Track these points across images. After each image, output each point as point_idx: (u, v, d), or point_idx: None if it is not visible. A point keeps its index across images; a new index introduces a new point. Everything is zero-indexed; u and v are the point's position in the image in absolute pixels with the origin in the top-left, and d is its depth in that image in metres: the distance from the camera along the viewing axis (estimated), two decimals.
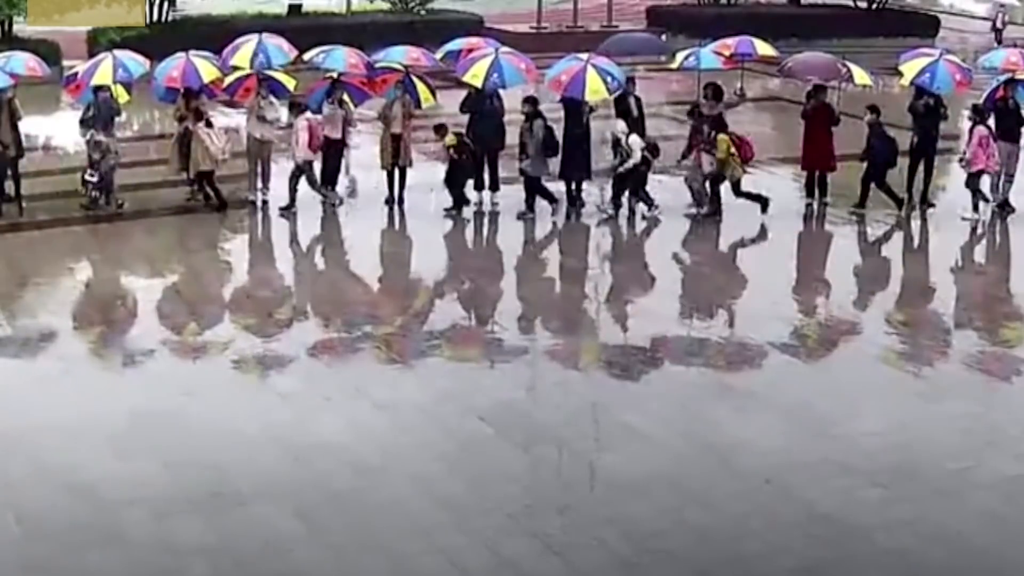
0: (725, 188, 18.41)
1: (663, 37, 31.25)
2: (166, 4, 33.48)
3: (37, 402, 11.93)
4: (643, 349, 13.84)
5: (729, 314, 15.11)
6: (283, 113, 19.57)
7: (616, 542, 9.42)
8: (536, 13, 38.00)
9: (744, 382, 13.01)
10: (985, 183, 18.66)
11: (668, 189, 19.16)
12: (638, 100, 19.28)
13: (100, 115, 18.47)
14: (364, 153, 20.37)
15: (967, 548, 9.49)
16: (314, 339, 13.94)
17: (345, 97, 19.30)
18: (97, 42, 29.62)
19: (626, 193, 18.47)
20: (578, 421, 11.67)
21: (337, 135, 19.09)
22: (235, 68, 19.77)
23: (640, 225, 18.54)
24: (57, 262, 16.98)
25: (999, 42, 36.98)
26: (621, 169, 18.19)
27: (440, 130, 18.65)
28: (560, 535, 9.57)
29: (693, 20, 36.27)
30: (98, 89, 18.54)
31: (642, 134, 18.75)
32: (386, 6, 37.80)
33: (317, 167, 18.99)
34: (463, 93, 19.49)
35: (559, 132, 18.86)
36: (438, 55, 21.33)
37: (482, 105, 18.88)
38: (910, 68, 19.34)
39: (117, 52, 20.10)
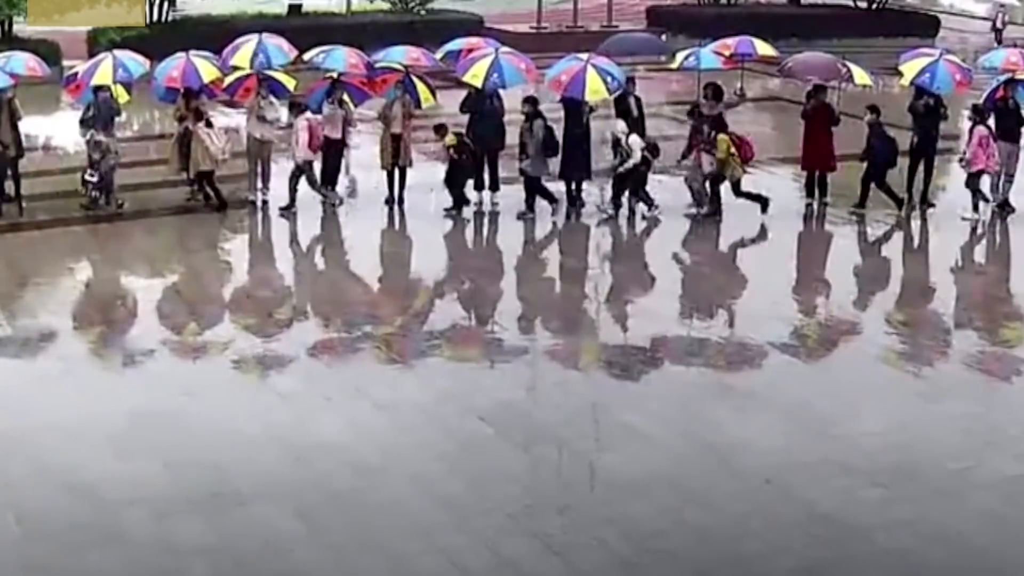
0: (725, 188, 18.41)
1: (663, 37, 31.24)
2: (166, 4, 33.47)
3: (37, 402, 11.94)
4: (643, 349, 13.85)
5: (729, 314, 15.11)
6: (283, 113, 19.57)
7: (616, 542, 9.42)
8: (536, 13, 38.00)
9: (744, 382, 13.01)
10: (985, 183, 18.66)
11: (668, 189, 19.16)
12: (638, 100, 19.29)
13: (100, 115, 18.47)
14: (364, 153, 20.38)
15: (967, 548, 9.50)
16: (314, 339, 13.94)
17: (345, 97, 19.31)
18: (97, 42, 29.62)
19: (626, 193, 18.48)
20: (578, 421, 11.68)
21: (337, 135, 19.09)
22: (235, 68, 19.78)
23: (640, 225, 18.55)
24: (57, 262, 16.99)
25: (999, 42, 36.98)
26: (621, 169, 18.20)
27: (440, 130, 18.66)
28: (560, 535, 9.57)
29: (693, 20, 36.27)
30: (98, 89, 18.54)
31: (642, 134, 18.75)
32: (386, 6, 37.80)
33: (317, 167, 18.99)
34: (463, 93, 19.49)
35: (559, 132, 18.87)
36: (438, 55, 21.33)
37: (482, 105, 18.89)
38: (910, 68, 19.35)
39: (117, 52, 20.10)
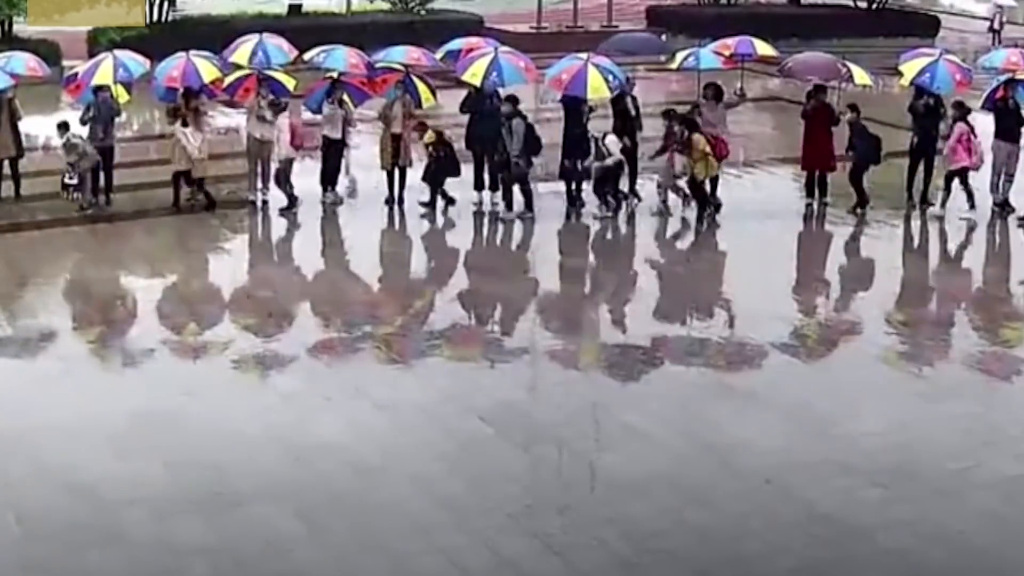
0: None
1: (663, 37, 31.21)
2: (166, 4, 33.48)
3: (37, 402, 11.93)
4: (643, 349, 13.85)
5: (729, 314, 15.10)
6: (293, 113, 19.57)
7: (616, 542, 9.42)
8: (536, 13, 38.01)
9: (744, 382, 13.01)
10: (983, 181, 18.66)
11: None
12: (635, 100, 19.27)
13: (100, 115, 18.47)
14: (364, 153, 20.38)
15: (967, 548, 9.49)
16: (314, 339, 13.93)
17: (345, 97, 19.31)
18: (97, 42, 29.63)
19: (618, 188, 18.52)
20: (578, 421, 11.67)
21: (337, 135, 19.10)
22: (235, 66, 19.79)
23: (640, 225, 18.52)
24: (57, 262, 16.99)
25: (998, 42, 36.96)
26: (599, 167, 18.18)
27: (420, 127, 18.66)
28: (560, 535, 9.57)
29: (693, 20, 36.28)
30: (98, 89, 18.54)
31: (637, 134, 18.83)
32: (386, 6, 37.81)
33: (300, 166, 18.93)
34: (463, 93, 19.50)
35: (558, 132, 18.87)
36: (438, 55, 21.32)
37: (482, 105, 18.88)
38: (910, 68, 19.35)
39: (117, 52, 20.11)
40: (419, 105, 19.46)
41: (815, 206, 19.16)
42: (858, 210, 18.67)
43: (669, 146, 18.45)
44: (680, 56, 20.41)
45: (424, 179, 18.76)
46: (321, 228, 18.73)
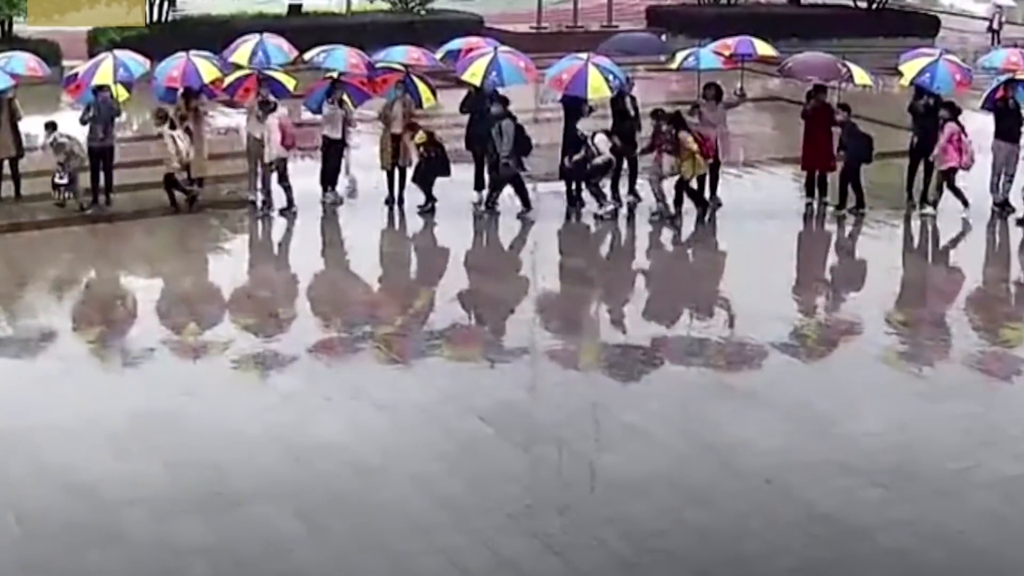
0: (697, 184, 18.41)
1: (663, 37, 31.21)
2: (166, 4, 33.48)
3: (37, 402, 11.93)
4: (643, 349, 13.85)
5: (729, 314, 15.10)
6: (283, 113, 19.53)
7: (616, 542, 9.42)
8: (536, 13, 38.01)
9: (744, 382, 13.01)
10: (981, 181, 18.65)
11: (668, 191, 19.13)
12: (633, 100, 19.28)
13: (100, 115, 18.47)
14: (364, 153, 20.38)
15: (967, 548, 9.49)
16: (314, 339, 13.93)
17: (345, 97, 19.30)
18: (97, 42, 29.64)
19: (621, 189, 18.53)
20: (578, 421, 11.67)
21: (337, 135, 19.10)
22: (235, 66, 19.79)
23: (640, 225, 18.51)
24: (57, 262, 16.99)
25: (997, 42, 36.95)
26: (591, 166, 18.18)
27: (411, 128, 18.65)
28: (560, 535, 9.57)
29: (693, 20, 36.28)
30: (98, 89, 18.54)
31: (636, 134, 18.83)
32: (386, 6, 37.81)
33: (300, 166, 18.92)
34: (463, 93, 19.50)
35: (559, 132, 18.87)
36: (438, 55, 21.32)
37: (482, 105, 18.86)
38: (910, 68, 19.35)
39: (117, 52, 20.10)
40: (419, 105, 19.46)
41: (815, 206, 19.16)
42: (860, 210, 18.65)
43: (657, 145, 18.44)
44: (680, 56, 20.40)
45: (414, 180, 18.76)
46: (321, 228, 18.73)
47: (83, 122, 18.62)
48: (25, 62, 19.85)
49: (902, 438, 11.30)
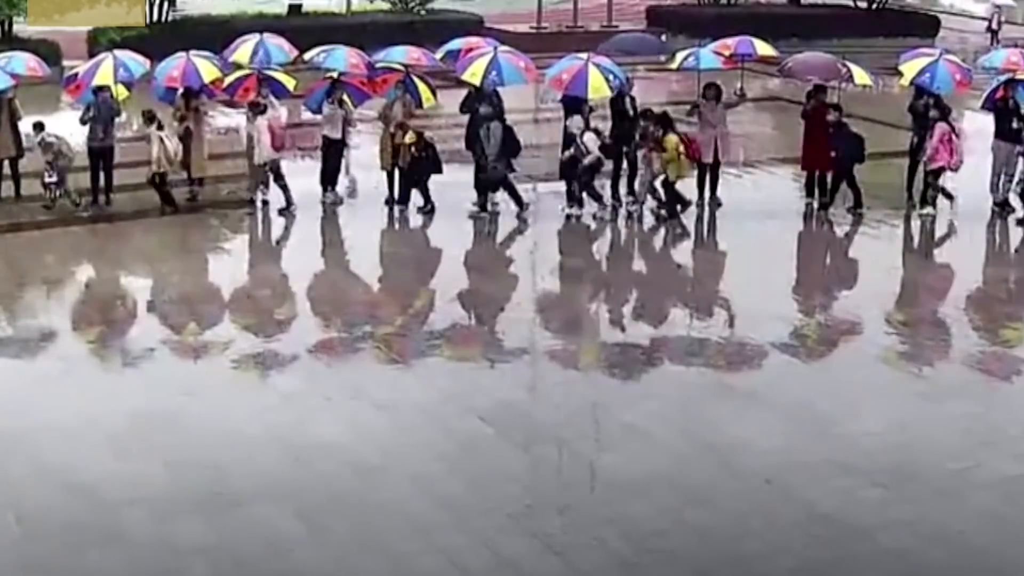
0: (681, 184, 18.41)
1: (663, 37, 31.22)
2: (166, 4, 33.49)
3: (37, 402, 11.93)
4: (643, 349, 13.85)
5: (729, 314, 15.10)
6: (283, 113, 19.55)
7: (616, 542, 9.42)
8: (536, 13, 38.02)
9: (744, 382, 13.01)
10: (981, 181, 18.67)
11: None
12: (633, 100, 19.28)
13: (100, 115, 18.50)
14: (364, 153, 20.38)
15: (967, 548, 9.49)
16: (314, 339, 13.93)
17: (345, 97, 19.30)
18: (97, 42, 29.65)
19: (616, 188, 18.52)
20: (578, 421, 11.67)
21: (337, 135, 19.10)
22: (236, 65, 19.78)
23: (639, 225, 18.50)
24: (57, 262, 16.99)
25: (996, 42, 36.95)
26: (582, 167, 18.18)
27: (401, 128, 18.65)
28: (560, 535, 9.56)
29: (693, 20, 36.28)
30: (98, 89, 18.55)
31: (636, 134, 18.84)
32: (386, 6, 37.82)
33: (301, 166, 18.91)
34: (463, 93, 19.50)
35: (559, 132, 18.86)
36: (438, 55, 21.33)
37: (484, 104, 18.86)
38: (910, 68, 19.34)
39: (117, 52, 20.10)
40: (419, 105, 19.46)
41: (815, 206, 19.15)
42: (858, 209, 18.67)
43: (644, 146, 18.44)
44: (680, 56, 20.40)
45: (404, 180, 18.73)
46: (321, 228, 18.74)
47: (83, 122, 18.64)
48: (25, 62, 19.86)
49: (902, 438, 11.30)
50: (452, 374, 13.05)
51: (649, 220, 18.52)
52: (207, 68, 19.02)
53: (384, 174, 19.13)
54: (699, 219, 18.53)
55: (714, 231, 18.56)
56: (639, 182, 18.64)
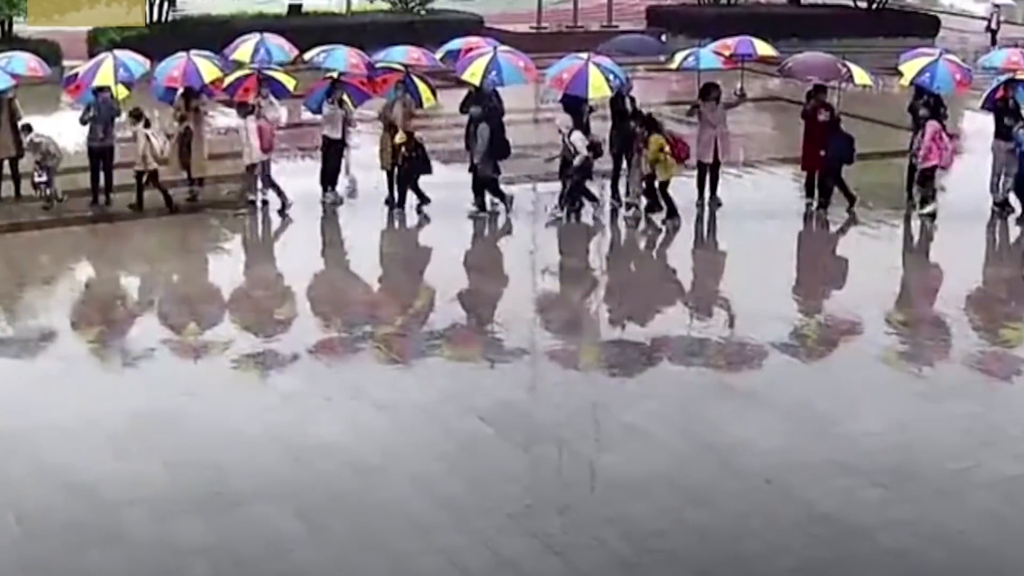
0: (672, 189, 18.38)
1: (663, 37, 31.22)
2: (166, 4, 33.49)
3: (37, 402, 11.93)
4: (643, 349, 13.85)
5: (729, 314, 15.11)
6: (283, 113, 19.54)
7: (616, 542, 9.42)
8: (536, 13, 38.02)
9: (744, 382, 13.01)
10: (981, 181, 18.66)
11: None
12: (632, 100, 19.28)
13: (100, 115, 18.50)
14: (364, 153, 20.38)
15: (967, 548, 9.49)
16: (314, 339, 13.93)
17: (345, 97, 19.30)
18: (97, 42, 29.64)
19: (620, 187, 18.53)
20: (578, 421, 11.67)
21: (337, 135, 19.10)
22: (236, 64, 19.76)
23: (640, 225, 18.49)
24: (57, 262, 17.00)
25: (994, 43, 36.95)
26: (574, 167, 18.17)
27: (390, 129, 18.65)
28: (560, 535, 9.57)
29: (693, 20, 36.28)
30: (99, 90, 18.55)
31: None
32: (386, 6, 37.82)
33: (300, 168, 18.90)
34: (463, 93, 19.50)
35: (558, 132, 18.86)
36: (438, 55, 21.34)
37: (482, 105, 18.87)
38: (910, 68, 19.35)
39: (117, 52, 20.09)
40: (419, 105, 19.46)
41: (815, 206, 19.15)
42: (850, 208, 18.68)
43: (634, 146, 18.42)
44: (680, 56, 20.42)
45: (398, 181, 18.74)
46: (321, 228, 18.74)
47: (83, 122, 18.64)
48: (25, 62, 19.87)
49: (902, 438, 11.30)
50: (452, 374, 13.05)
51: (649, 220, 18.49)
52: (208, 68, 19.01)
53: (384, 174, 19.12)
54: (699, 219, 18.53)
55: (714, 231, 18.56)
56: (630, 182, 18.65)
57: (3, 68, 18.92)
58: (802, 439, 11.34)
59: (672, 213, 18.20)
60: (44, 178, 18.29)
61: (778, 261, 17.28)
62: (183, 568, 9.09)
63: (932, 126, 18.27)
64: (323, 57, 19.86)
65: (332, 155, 19.22)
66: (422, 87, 19.52)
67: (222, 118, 22.20)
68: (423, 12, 36.95)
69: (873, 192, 18.97)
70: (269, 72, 19.63)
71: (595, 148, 18.28)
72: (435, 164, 19.18)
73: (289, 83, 19.77)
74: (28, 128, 18.54)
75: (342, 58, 19.57)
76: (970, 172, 18.99)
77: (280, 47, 20.12)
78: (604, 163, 18.97)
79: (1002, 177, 18.89)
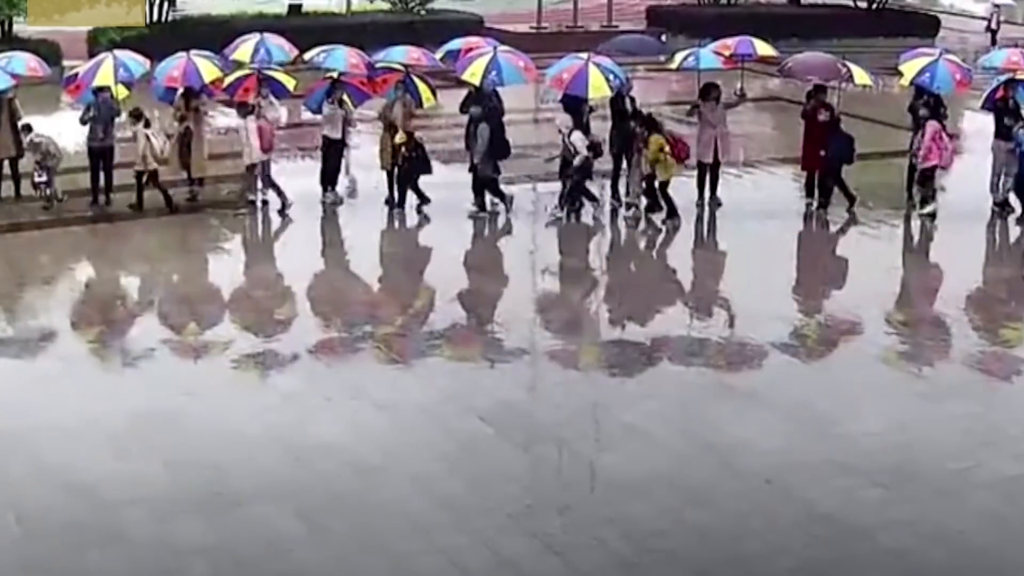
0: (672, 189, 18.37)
1: (663, 37, 31.21)
2: (166, 4, 33.49)
3: (37, 402, 11.93)
4: (643, 349, 13.85)
5: (729, 314, 15.11)
6: (283, 113, 19.54)
7: (616, 542, 9.42)
8: (536, 13, 38.02)
9: (744, 382, 13.01)
10: (981, 181, 18.65)
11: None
12: (632, 100, 19.28)
13: (100, 115, 18.50)
14: (364, 153, 20.38)
15: (967, 548, 9.50)
16: (314, 339, 13.93)
17: (345, 97, 19.30)
18: (97, 42, 29.64)
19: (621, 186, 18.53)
20: (578, 421, 11.67)
21: (337, 135, 19.10)
22: (236, 64, 19.76)
23: (640, 225, 18.49)
24: (57, 262, 16.99)
25: (994, 43, 36.95)
26: (575, 167, 18.17)
27: (390, 129, 18.64)
28: (560, 535, 9.57)
29: (693, 20, 36.28)
30: (99, 90, 18.55)
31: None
32: (386, 6, 37.82)
33: (300, 168, 18.89)
34: (463, 93, 19.50)
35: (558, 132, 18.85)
36: (438, 55, 21.33)
37: (482, 105, 18.87)
38: (910, 68, 19.35)
39: (117, 52, 20.09)
40: (419, 105, 19.46)
41: (815, 206, 19.14)
42: (850, 208, 18.68)
43: (634, 146, 18.42)
44: (680, 56, 20.41)
45: (398, 181, 18.74)
46: (321, 228, 18.74)
47: (83, 122, 18.64)
48: (25, 62, 19.87)
49: (902, 438, 11.30)
50: (452, 374, 13.05)
51: (649, 220, 18.49)
52: (208, 68, 19.00)
53: (384, 174, 19.12)
54: (699, 219, 18.53)
55: (714, 231, 18.56)
56: (630, 182, 18.64)
57: (3, 68, 18.93)
58: (802, 439, 11.34)
59: (672, 213, 18.20)
60: (44, 178, 18.31)
61: (778, 261, 17.28)
62: (183, 568, 9.09)
63: (932, 126, 18.27)
64: (323, 57, 19.86)
65: (332, 155, 19.22)
66: (422, 87, 19.52)
67: (222, 118, 22.20)
68: (423, 12, 36.95)
69: (873, 192, 18.98)
70: (269, 72, 19.63)
71: (595, 148, 18.28)
72: (435, 164, 19.20)
73: (289, 83, 19.77)
74: (28, 128, 18.57)
75: (342, 58, 19.57)
76: (970, 172, 18.99)
77: (280, 47, 20.13)
78: (604, 163, 18.98)
79: (1002, 177, 18.89)
